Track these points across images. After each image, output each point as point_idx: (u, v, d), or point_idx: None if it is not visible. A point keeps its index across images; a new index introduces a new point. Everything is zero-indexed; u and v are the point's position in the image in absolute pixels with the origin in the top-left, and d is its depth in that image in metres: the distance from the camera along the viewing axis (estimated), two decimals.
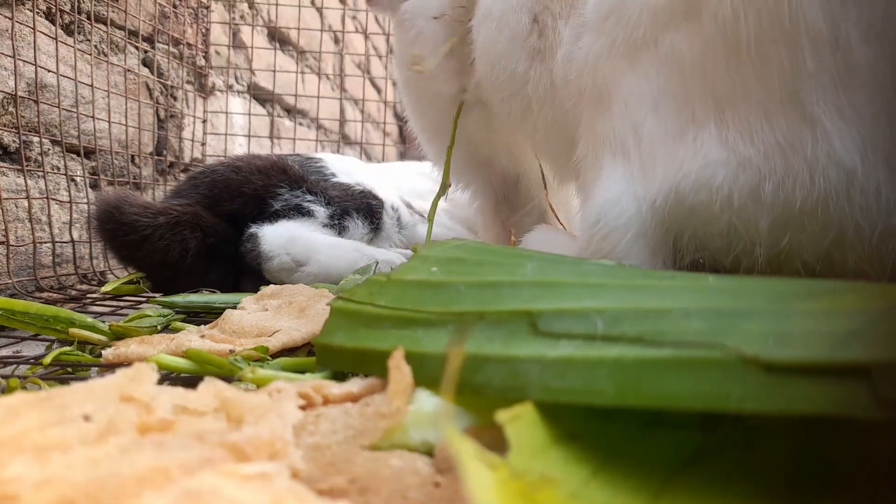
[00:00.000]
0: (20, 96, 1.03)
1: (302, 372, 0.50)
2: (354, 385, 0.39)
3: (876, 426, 0.20)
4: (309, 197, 1.12)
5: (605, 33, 0.55)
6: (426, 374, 0.35)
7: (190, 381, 0.52)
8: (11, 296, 0.96)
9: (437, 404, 0.32)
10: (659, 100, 0.50)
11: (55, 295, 1.02)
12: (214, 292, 0.93)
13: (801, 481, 0.23)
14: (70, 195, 1.17)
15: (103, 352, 0.57)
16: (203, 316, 0.82)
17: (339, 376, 0.45)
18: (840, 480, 0.23)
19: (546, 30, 0.67)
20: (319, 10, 2.33)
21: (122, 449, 0.25)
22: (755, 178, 0.44)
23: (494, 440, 0.28)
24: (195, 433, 0.28)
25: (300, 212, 1.10)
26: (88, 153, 1.26)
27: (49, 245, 1.09)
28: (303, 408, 0.35)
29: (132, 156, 1.43)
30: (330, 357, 0.45)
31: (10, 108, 1.04)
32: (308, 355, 0.59)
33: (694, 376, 0.24)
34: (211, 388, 0.35)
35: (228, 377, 0.50)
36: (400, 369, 0.33)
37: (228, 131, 1.87)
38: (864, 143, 0.42)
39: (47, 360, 0.58)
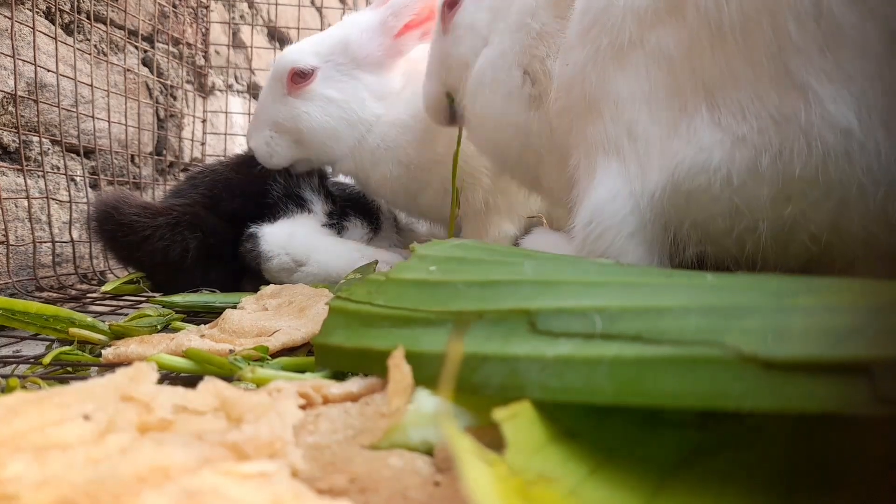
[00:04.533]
0: (20, 96, 1.03)
1: (302, 371, 0.50)
2: (354, 384, 0.39)
3: (873, 424, 0.20)
4: (310, 188, 1.12)
5: (591, 42, 0.56)
6: (425, 373, 0.35)
7: (190, 380, 0.52)
8: (11, 295, 0.97)
9: (436, 404, 0.32)
10: (650, 96, 0.50)
11: (55, 294, 1.02)
12: (214, 292, 0.94)
13: (798, 479, 0.23)
14: (70, 195, 1.17)
15: (103, 351, 0.57)
16: (203, 316, 0.83)
17: (339, 375, 0.45)
18: (837, 479, 0.23)
19: (537, 75, 0.69)
20: (319, 10, 2.33)
21: (121, 448, 0.25)
22: (751, 153, 0.44)
23: (494, 439, 0.28)
24: (195, 432, 0.28)
25: (298, 204, 1.10)
26: (88, 153, 1.26)
27: (49, 245, 1.09)
28: (303, 407, 0.35)
29: (132, 155, 1.43)
30: (329, 356, 0.45)
31: (10, 108, 1.04)
32: (308, 355, 0.59)
33: (692, 374, 0.24)
34: (211, 387, 0.35)
35: (228, 377, 0.50)
36: (400, 368, 0.33)
37: (228, 131, 1.87)
38: (859, 103, 0.42)
39: (47, 359, 0.58)
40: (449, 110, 0.89)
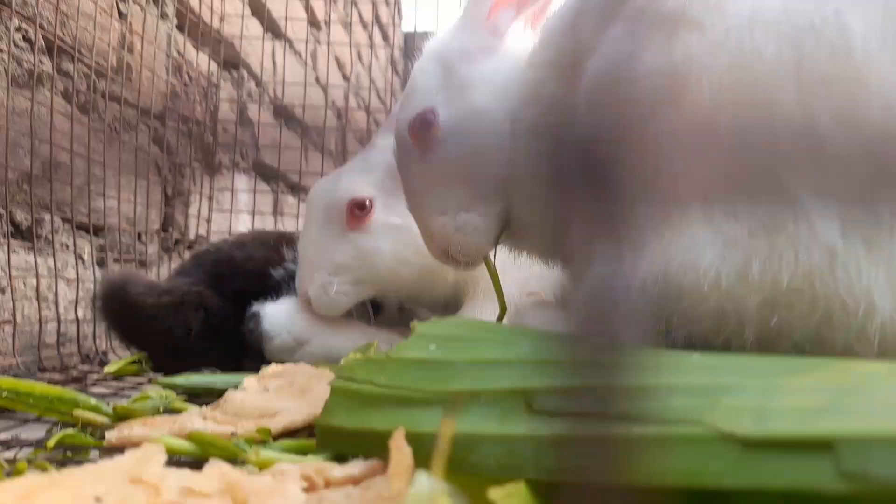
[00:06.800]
0: (34, 175, 1.07)
1: (304, 453, 0.50)
2: (355, 467, 0.40)
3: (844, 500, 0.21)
4: None
5: (597, 117, 0.58)
6: (425, 454, 0.36)
7: (195, 464, 0.53)
8: (15, 376, 0.97)
9: (437, 486, 0.33)
10: (646, 183, 0.53)
11: (57, 376, 1.03)
12: (216, 371, 0.94)
13: None
14: (77, 273, 1.19)
15: (107, 434, 0.58)
16: (204, 397, 0.83)
17: (341, 457, 0.46)
18: None
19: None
20: (324, 89, 2.43)
21: None
22: (742, 258, 0.46)
23: None
24: None
25: None
26: (97, 230, 1.29)
27: (54, 324, 1.10)
28: (306, 490, 0.36)
29: (139, 233, 1.46)
30: (331, 438, 0.46)
31: (25, 187, 1.08)
32: (309, 437, 0.59)
33: (676, 452, 0.25)
34: (216, 469, 0.35)
35: (232, 459, 0.50)
36: (401, 450, 0.34)
37: (234, 208, 1.91)
38: (843, 222, 0.44)
39: (51, 443, 0.58)
40: None
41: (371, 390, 0.45)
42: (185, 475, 0.34)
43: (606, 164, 0.58)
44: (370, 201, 1.02)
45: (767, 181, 0.47)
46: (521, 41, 0.79)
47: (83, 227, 1.25)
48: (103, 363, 1.16)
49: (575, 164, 0.64)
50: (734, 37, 0.48)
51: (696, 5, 0.50)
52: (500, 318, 0.84)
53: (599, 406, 0.31)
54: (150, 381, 0.98)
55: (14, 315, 1.00)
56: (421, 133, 0.76)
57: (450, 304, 1.13)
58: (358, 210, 1.01)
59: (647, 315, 0.50)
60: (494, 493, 0.27)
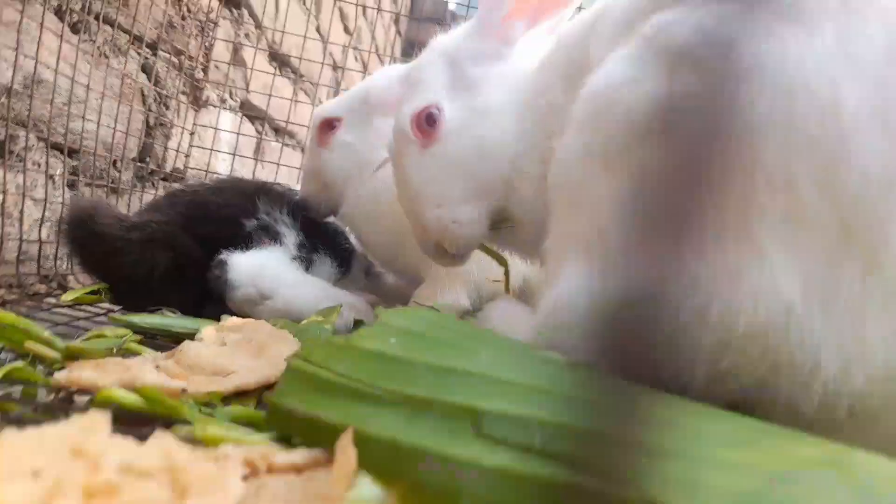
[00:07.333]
0: (14, 89, 1.04)
1: (251, 425, 0.51)
2: (300, 455, 0.40)
3: None
4: (285, 221, 1.13)
5: (587, 134, 0.58)
6: (370, 457, 0.36)
7: (141, 421, 0.52)
8: None
9: (376, 493, 0.34)
10: (624, 208, 0.53)
11: (13, 295, 1.01)
12: (175, 312, 0.93)
13: None
14: (46, 192, 1.16)
15: (56, 374, 0.57)
16: (159, 339, 0.82)
17: (286, 438, 0.46)
18: None
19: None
20: (324, 40, 2.37)
21: None
22: (704, 298, 0.47)
23: None
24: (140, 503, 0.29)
25: (272, 236, 1.10)
26: (72, 152, 1.26)
27: (15, 242, 1.08)
28: (246, 476, 0.36)
29: (115, 160, 1.43)
30: (280, 418, 0.46)
31: (3, 100, 1.04)
32: (258, 402, 0.60)
33: None
34: (160, 445, 0.36)
35: (177, 418, 0.51)
36: (346, 453, 0.35)
37: (214, 146, 1.88)
38: (805, 281, 0.45)
39: None
40: None
41: (327, 376, 0.46)
42: (128, 448, 0.34)
43: (585, 180, 0.59)
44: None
45: (740, 227, 0.47)
46: (530, 50, 0.80)
47: (58, 148, 1.22)
48: (62, 286, 1.15)
49: (559, 177, 0.64)
50: (731, 84, 0.48)
51: (703, 49, 0.49)
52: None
53: (546, 443, 0.31)
54: (107, 313, 0.97)
55: None
56: (425, 127, 0.77)
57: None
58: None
59: (606, 337, 0.51)
60: None
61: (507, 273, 0.90)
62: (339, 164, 1.17)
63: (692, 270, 0.48)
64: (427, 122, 0.77)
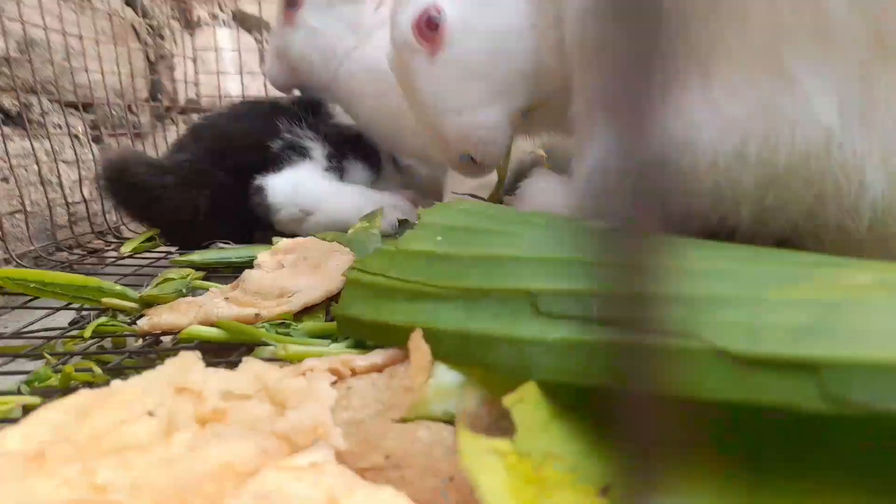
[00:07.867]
0: (13, 57, 1.03)
1: (325, 336, 0.55)
2: (378, 356, 0.43)
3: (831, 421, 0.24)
4: (309, 136, 1.13)
5: None
6: (442, 348, 0.39)
7: (224, 350, 0.57)
8: (36, 259, 1.01)
9: (454, 378, 0.37)
10: (640, 57, 0.51)
11: (74, 255, 1.06)
12: (228, 243, 0.97)
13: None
14: (76, 153, 1.18)
15: (138, 322, 0.62)
16: (221, 272, 0.87)
17: (361, 343, 0.50)
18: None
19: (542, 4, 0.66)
20: None
21: (189, 446, 0.29)
22: (739, 138, 0.47)
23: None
24: (247, 421, 0.33)
25: (299, 153, 1.11)
26: (86, 107, 1.27)
27: (63, 206, 1.12)
28: (333, 383, 0.40)
29: (129, 105, 1.43)
30: (350, 327, 0.49)
31: (4, 70, 1.04)
32: (326, 312, 0.63)
33: (675, 364, 0.28)
34: (251, 369, 0.39)
35: (258, 342, 0.55)
36: (419, 349, 0.37)
37: (219, 68, 1.84)
38: (841, 102, 0.44)
39: (87, 332, 0.62)
40: None
41: (384, 283, 0.48)
42: (223, 377, 0.37)
43: (615, 34, 0.56)
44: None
45: (767, 56, 0.45)
46: None
47: (72, 105, 1.22)
48: (118, 237, 1.20)
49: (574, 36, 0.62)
50: None
51: None
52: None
53: (602, 312, 0.33)
54: (166, 256, 1.02)
55: (23, 202, 1.01)
56: (427, 33, 0.71)
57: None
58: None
59: (645, 195, 0.51)
60: (507, 400, 0.30)
61: (501, 180, 0.88)
62: (302, 49, 1.17)
63: (724, 111, 0.47)
64: (428, 27, 0.70)
